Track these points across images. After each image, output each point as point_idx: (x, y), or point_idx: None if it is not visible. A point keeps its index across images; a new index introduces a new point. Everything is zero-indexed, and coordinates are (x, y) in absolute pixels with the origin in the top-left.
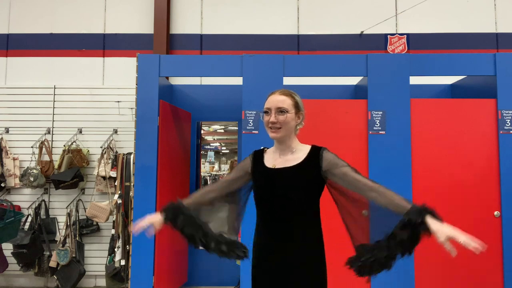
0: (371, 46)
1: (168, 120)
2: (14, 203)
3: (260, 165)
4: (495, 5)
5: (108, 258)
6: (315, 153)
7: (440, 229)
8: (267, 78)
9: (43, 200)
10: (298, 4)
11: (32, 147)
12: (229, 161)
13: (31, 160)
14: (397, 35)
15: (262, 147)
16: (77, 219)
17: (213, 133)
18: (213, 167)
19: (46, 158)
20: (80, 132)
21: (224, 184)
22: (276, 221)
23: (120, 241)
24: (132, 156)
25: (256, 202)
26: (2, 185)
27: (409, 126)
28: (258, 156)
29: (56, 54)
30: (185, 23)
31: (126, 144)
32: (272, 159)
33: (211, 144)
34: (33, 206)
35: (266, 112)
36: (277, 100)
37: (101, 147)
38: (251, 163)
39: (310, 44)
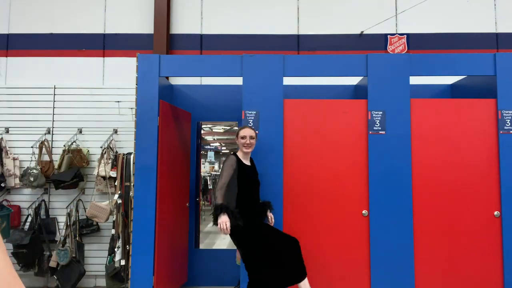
0: (371, 46)
1: (168, 120)
2: (14, 203)
3: (242, 164)
4: (495, 5)
5: (108, 258)
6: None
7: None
8: (267, 78)
9: (43, 200)
10: (298, 4)
11: (32, 147)
12: None
13: (31, 160)
14: (397, 35)
15: (232, 152)
16: (77, 219)
17: (213, 133)
18: (213, 167)
19: (46, 158)
20: (80, 132)
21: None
22: (257, 195)
23: (120, 241)
24: (132, 156)
25: (249, 187)
26: (2, 185)
27: (409, 126)
28: (238, 158)
29: (56, 54)
30: (185, 23)
31: (126, 144)
32: (244, 162)
33: (211, 144)
34: (33, 206)
35: (243, 138)
36: (250, 132)
37: (101, 147)
38: (236, 163)
39: (310, 44)
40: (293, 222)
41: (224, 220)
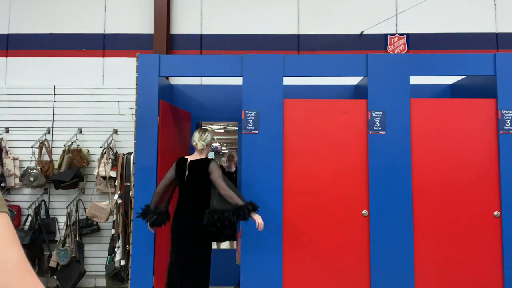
0: (371, 46)
1: (168, 120)
2: (14, 203)
3: None
4: (495, 5)
5: (108, 258)
6: None
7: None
8: (267, 78)
9: (43, 200)
10: (298, 4)
11: (32, 147)
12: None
13: (31, 160)
14: (397, 35)
15: (211, 158)
16: (77, 219)
17: (213, 133)
18: None
19: (46, 158)
20: (80, 132)
21: None
22: None
23: (120, 241)
24: (132, 156)
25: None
26: (2, 185)
27: (409, 126)
28: None
29: (56, 54)
30: (185, 23)
31: (126, 144)
32: None
33: None
34: (33, 206)
35: None
36: None
37: (101, 147)
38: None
39: (310, 44)
40: (293, 222)
41: (259, 216)
